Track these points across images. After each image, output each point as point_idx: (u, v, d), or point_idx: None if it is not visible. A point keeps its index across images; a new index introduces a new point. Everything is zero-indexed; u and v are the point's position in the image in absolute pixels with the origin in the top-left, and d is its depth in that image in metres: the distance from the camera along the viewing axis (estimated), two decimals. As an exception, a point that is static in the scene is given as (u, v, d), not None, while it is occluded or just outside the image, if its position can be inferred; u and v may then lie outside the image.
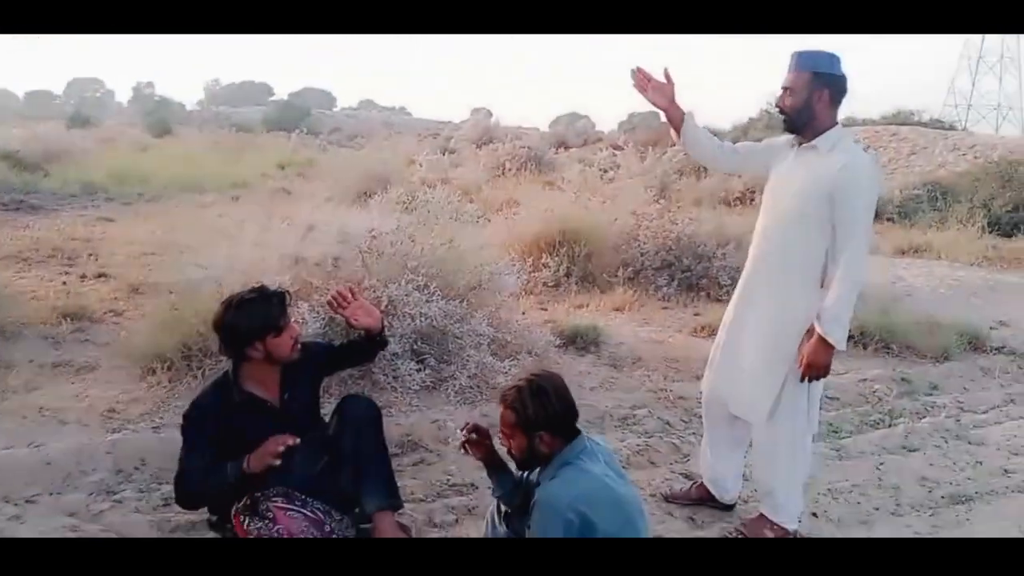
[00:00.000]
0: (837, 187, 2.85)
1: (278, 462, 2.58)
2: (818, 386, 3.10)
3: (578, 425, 2.45)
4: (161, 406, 3.87)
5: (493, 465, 2.64)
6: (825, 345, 2.87)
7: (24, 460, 3.23)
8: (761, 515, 3.25)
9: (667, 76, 3.12)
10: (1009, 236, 11.68)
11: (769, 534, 3.16)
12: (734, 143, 3.46)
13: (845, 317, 2.90)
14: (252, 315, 2.75)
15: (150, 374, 4.14)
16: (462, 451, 2.68)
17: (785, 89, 2.98)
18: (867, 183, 2.90)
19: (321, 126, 43.90)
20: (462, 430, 2.64)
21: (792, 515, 3.21)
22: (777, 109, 3.05)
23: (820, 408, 4.68)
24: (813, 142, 2.97)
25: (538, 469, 2.44)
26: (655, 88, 3.15)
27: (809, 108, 2.93)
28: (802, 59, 2.95)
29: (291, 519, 2.70)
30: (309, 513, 2.78)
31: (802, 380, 2.96)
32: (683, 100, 3.16)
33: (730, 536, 3.21)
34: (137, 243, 8.01)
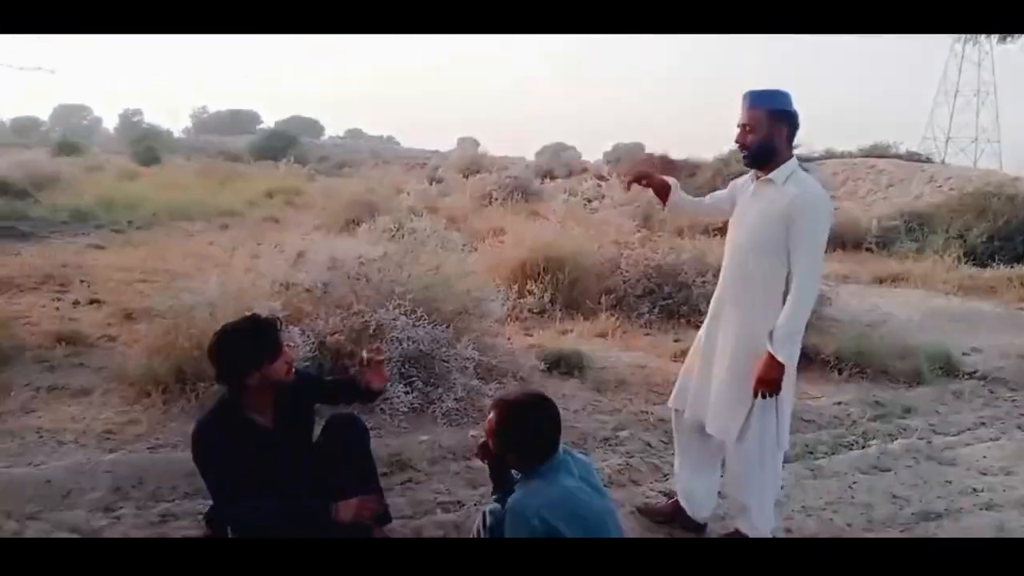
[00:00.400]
0: (791, 215, 3.03)
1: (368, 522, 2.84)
2: (787, 405, 3.23)
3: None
4: (156, 427, 3.97)
5: (497, 470, 2.76)
6: (775, 362, 3.02)
7: (24, 478, 3.32)
8: (736, 531, 3.37)
9: (651, 159, 3.35)
10: (984, 266, 11.94)
11: None
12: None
13: (795, 336, 3.06)
14: (249, 343, 2.82)
15: (145, 396, 4.24)
16: (477, 453, 2.80)
17: (744, 126, 3.15)
18: (820, 211, 3.09)
19: (309, 155, 44.07)
20: (473, 435, 2.75)
21: (765, 531, 3.33)
22: (738, 146, 3.22)
23: (796, 431, 4.86)
24: (770, 175, 3.15)
25: (520, 479, 2.56)
26: (643, 174, 3.51)
27: (770, 143, 3.11)
28: (757, 98, 3.13)
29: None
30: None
31: (755, 396, 3.09)
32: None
33: None
34: (128, 270, 8.12)
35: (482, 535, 2.73)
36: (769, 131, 3.10)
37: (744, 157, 3.21)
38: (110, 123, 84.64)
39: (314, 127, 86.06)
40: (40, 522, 3.11)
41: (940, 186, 18.47)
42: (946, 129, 59.31)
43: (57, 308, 6.18)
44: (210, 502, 3.12)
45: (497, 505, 2.79)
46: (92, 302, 6.48)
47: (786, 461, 4.36)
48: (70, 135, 45.65)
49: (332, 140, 75.72)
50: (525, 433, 2.46)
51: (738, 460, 3.27)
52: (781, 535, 3.53)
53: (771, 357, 3.02)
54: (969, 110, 59.42)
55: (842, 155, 24.31)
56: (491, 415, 2.55)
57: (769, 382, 3.03)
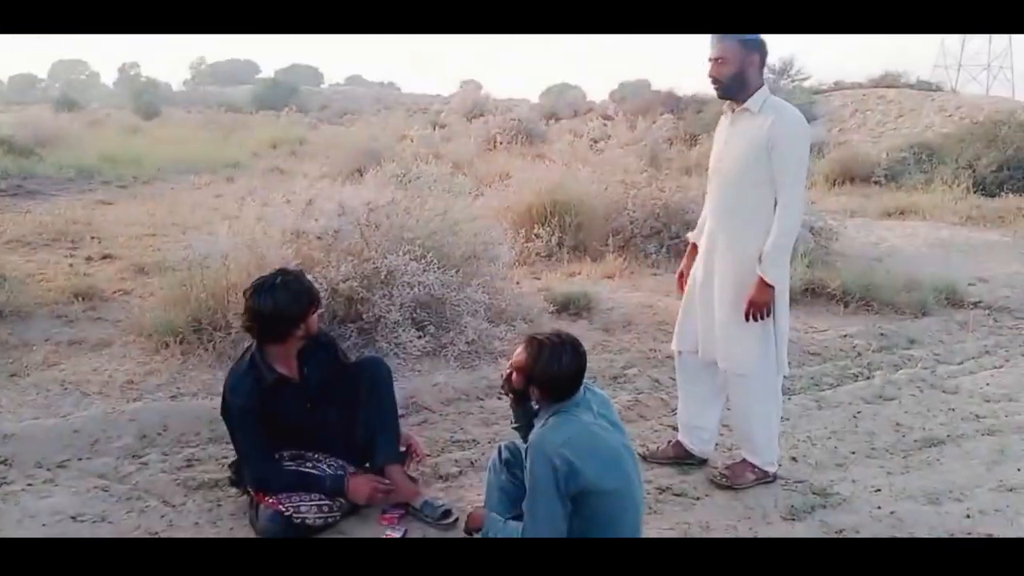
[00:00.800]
0: (772, 141, 3.10)
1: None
2: (784, 328, 3.31)
3: None
4: (177, 377, 4.08)
5: (518, 404, 2.82)
6: (764, 285, 3.13)
7: (52, 429, 3.44)
8: (743, 460, 3.47)
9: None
10: (993, 196, 11.89)
11: (751, 476, 3.39)
12: None
13: (782, 259, 3.18)
14: (294, 300, 2.89)
15: (163, 348, 4.34)
16: (503, 387, 2.83)
17: (716, 59, 3.20)
18: (798, 135, 3.16)
19: (310, 103, 43.74)
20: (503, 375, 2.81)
21: (771, 458, 3.44)
22: (710, 79, 3.26)
23: (802, 364, 4.95)
24: (745, 104, 3.21)
25: (539, 414, 2.64)
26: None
27: (742, 73, 3.17)
28: (727, 34, 3.18)
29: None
30: (319, 472, 3.00)
31: (746, 319, 3.18)
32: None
33: (714, 480, 3.42)
34: (137, 224, 8.18)
35: (498, 468, 2.84)
36: (742, 61, 3.17)
37: (717, 89, 3.27)
38: (108, 78, 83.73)
39: (314, 75, 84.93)
40: (69, 470, 3.24)
41: (950, 115, 18.27)
42: (958, 57, 58.15)
43: (70, 264, 6.26)
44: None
45: (513, 441, 2.90)
46: (104, 257, 6.56)
47: (792, 393, 4.49)
48: (69, 91, 45.24)
49: (332, 88, 74.67)
50: (552, 372, 2.52)
51: (744, 391, 3.36)
52: (787, 462, 3.64)
53: (761, 280, 3.12)
54: (981, 36, 58.14)
55: (851, 86, 23.97)
56: (520, 351, 2.61)
57: (760, 304, 3.14)
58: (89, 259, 6.48)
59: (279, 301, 2.85)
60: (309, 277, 4.20)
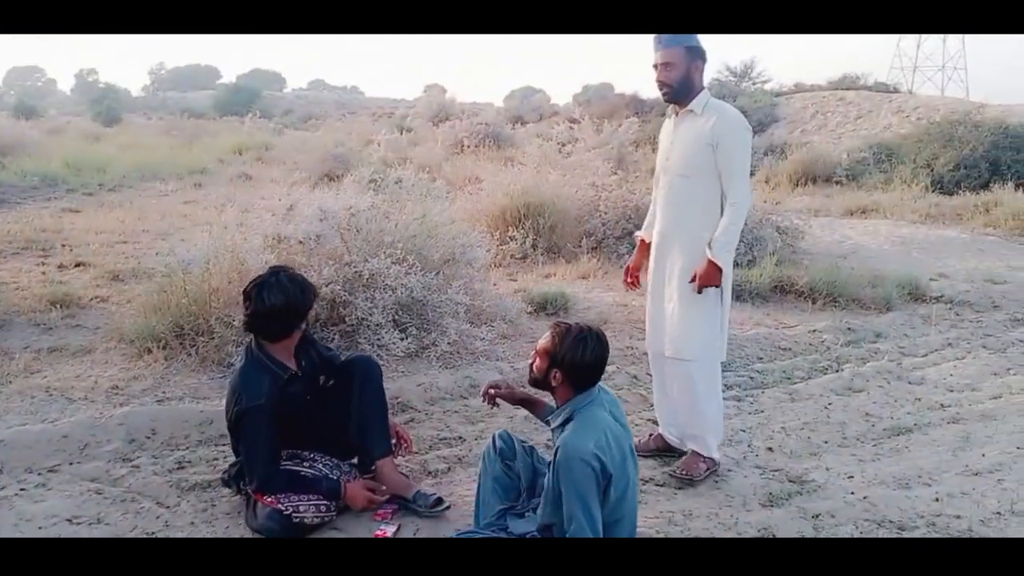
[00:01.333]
0: (715, 140, 3.30)
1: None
2: (725, 320, 3.49)
3: None
4: (161, 382, 4.09)
5: (524, 401, 2.99)
6: (714, 266, 3.32)
7: (40, 434, 3.42)
8: (693, 452, 3.57)
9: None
10: (951, 194, 12.25)
11: (704, 467, 3.50)
12: None
13: (730, 245, 3.35)
14: (302, 289, 2.96)
15: (146, 353, 4.34)
16: (489, 404, 2.99)
17: (664, 65, 3.36)
18: (739, 134, 3.35)
19: (273, 109, 43.43)
20: (483, 396, 2.97)
21: (716, 444, 3.56)
22: (659, 84, 3.41)
23: (774, 358, 5.10)
24: (689, 106, 3.40)
25: (556, 410, 2.73)
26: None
27: (689, 78, 3.36)
28: (671, 39, 3.34)
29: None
30: (316, 472, 3.05)
31: (698, 292, 3.35)
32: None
33: (674, 475, 3.49)
34: (107, 232, 8.11)
35: (492, 457, 2.91)
36: (688, 66, 3.35)
37: (665, 94, 3.43)
38: (65, 84, 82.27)
39: (276, 80, 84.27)
40: (61, 475, 3.24)
41: (908, 116, 18.74)
42: (913, 58, 59.42)
43: (43, 272, 6.20)
44: (229, 458, 3.29)
45: (506, 431, 2.98)
46: (77, 265, 6.50)
47: (765, 386, 4.64)
48: (26, 98, 44.32)
49: (295, 92, 74.20)
50: (581, 358, 2.59)
51: (689, 379, 3.48)
52: (763, 454, 3.77)
53: (711, 262, 3.31)
54: (936, 38, 59.49)
55: (811, 88, 24.46)
56: (548, 335, 2.69)
57: (709, 282, 3.33)
58: (62, 267, 6.42)
59: (289, 295, 2.91)
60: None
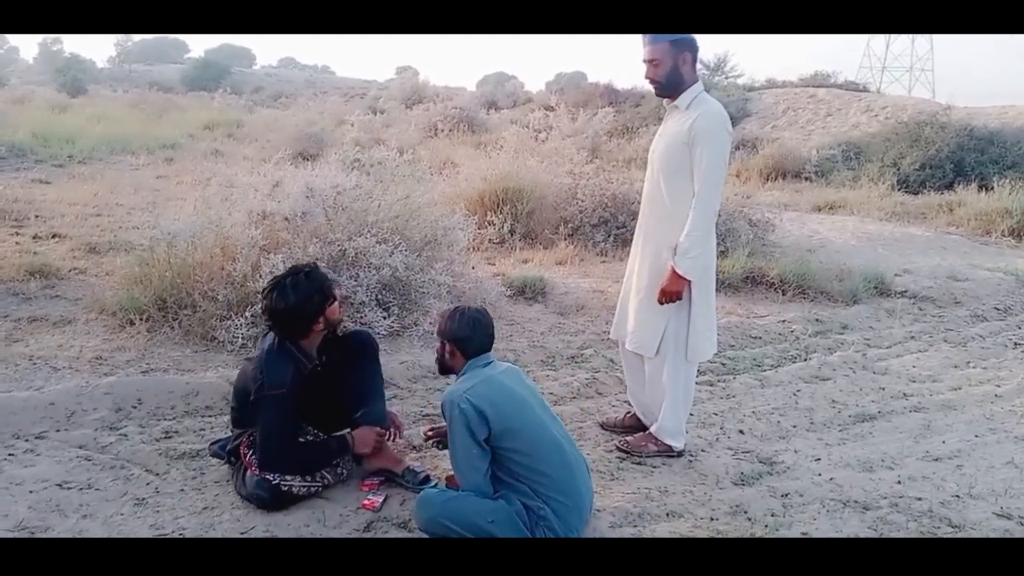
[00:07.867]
0: (691, 137, 3.27)
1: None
2: (700, 321, 3.48)
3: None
4: (145, 354, 4.11)
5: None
6: (675, 275, 3.31)
7: (27, 401, 3.44)
8: (648, 432, 3.68)
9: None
10: (916, 194, 12.53)
11: (652, 448, 3.61)
12: None
13: (694, 252, 3.28)
14: (307, 296, 2.95)
15: (128, 325, 4.36)
16: (431, 444, 3.29)
17: (651, 61, 3.36)
18: (715, 132, 3.28)
19: (242, 85, 42.76)
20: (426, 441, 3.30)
21: (675, 434, 3.63)
22: (648, 80, 3.42)
23: (745, 346, 5.25)
24: (676, 101, 3.40)
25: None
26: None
27: (677, 72, 3.34)
28: (656, 35, 3.33)
29: None
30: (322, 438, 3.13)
31: (660, 303, 3.37)
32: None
33: (618, 446, 3.64)
34: (80, 204, 8.04)
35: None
36: (675, 60, 3.33)
37: (656, 90, 3.45)
38: (27, 53, 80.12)
39: (246, 56, 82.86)
40: (49, 441, 3.26)
41: (876, 115, 19.04)
42: (883, 58, 60.36)
43: (18, 243, 6.14)
44: (216, 430, 3.33)
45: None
46: (53, 236, 6.45)
47: (737, 373, 4.78)
48: (-13, 65, 43.18)
49: (265, 69, 73.03)
50: (460, 329, 2.89)
51: (654, 370, 3.57)
52: (735, 436, 3.91)
53: (672, 271, 3.30)
54: (904, 39, 60.48)
55: (783, 84, 24.76)
56: (438, 320, 3.02)
57: (670, 293, 3.33)
58: (36, 238, 6.37)
59: (290, 301, 2.92)
60: (277, 258, 4.32)
